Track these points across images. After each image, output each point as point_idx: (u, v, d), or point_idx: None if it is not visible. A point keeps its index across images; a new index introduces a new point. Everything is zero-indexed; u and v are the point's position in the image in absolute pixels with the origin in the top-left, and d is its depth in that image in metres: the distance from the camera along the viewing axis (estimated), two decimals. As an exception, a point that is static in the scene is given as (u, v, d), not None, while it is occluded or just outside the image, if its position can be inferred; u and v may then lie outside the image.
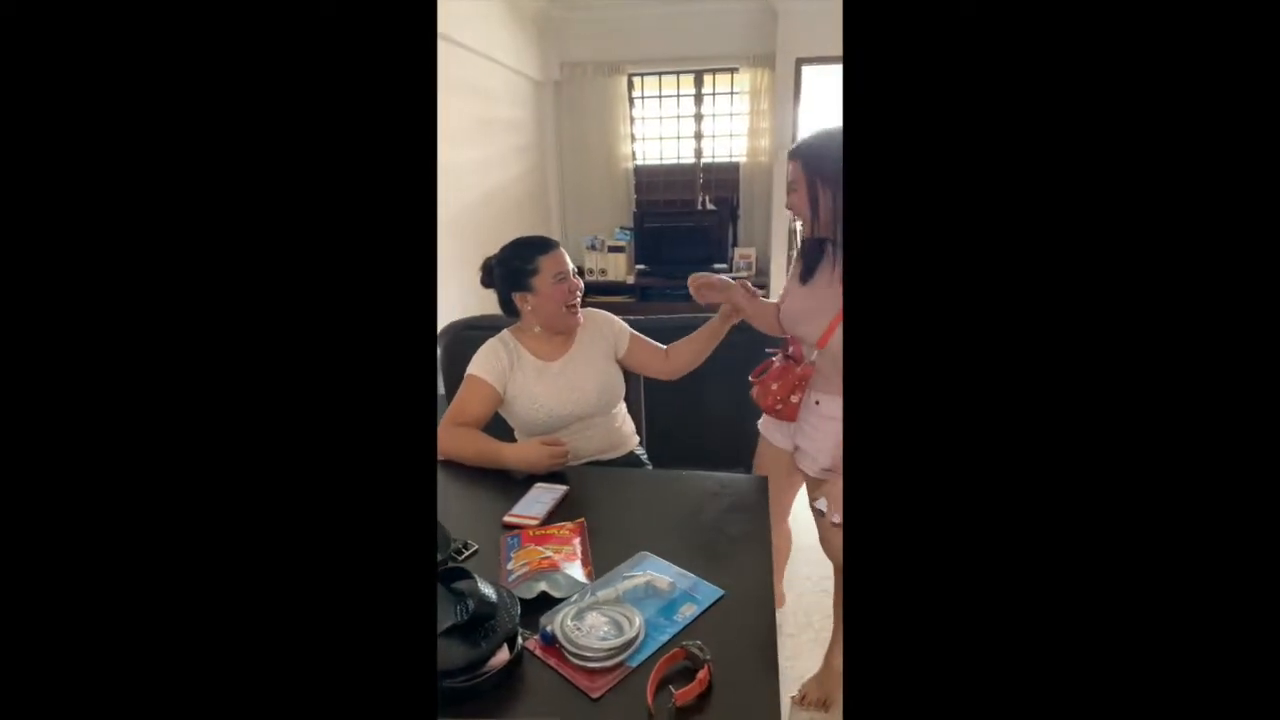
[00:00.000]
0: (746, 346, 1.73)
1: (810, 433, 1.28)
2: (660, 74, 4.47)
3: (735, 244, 4.49)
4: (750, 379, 1.35)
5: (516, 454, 1.25)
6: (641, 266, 4.50)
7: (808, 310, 1.23)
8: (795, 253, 1.29)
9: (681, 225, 4.44)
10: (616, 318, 1.52)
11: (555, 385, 1.39)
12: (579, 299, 1.41)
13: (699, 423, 1.64)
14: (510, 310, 1.43)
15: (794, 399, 1.26)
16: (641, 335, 1.52)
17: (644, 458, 1.53)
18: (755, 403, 1.33)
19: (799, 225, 1.20)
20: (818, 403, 1.26)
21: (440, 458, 1.31)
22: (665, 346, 1.51)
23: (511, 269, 1.38)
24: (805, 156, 1.15)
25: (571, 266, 1.40)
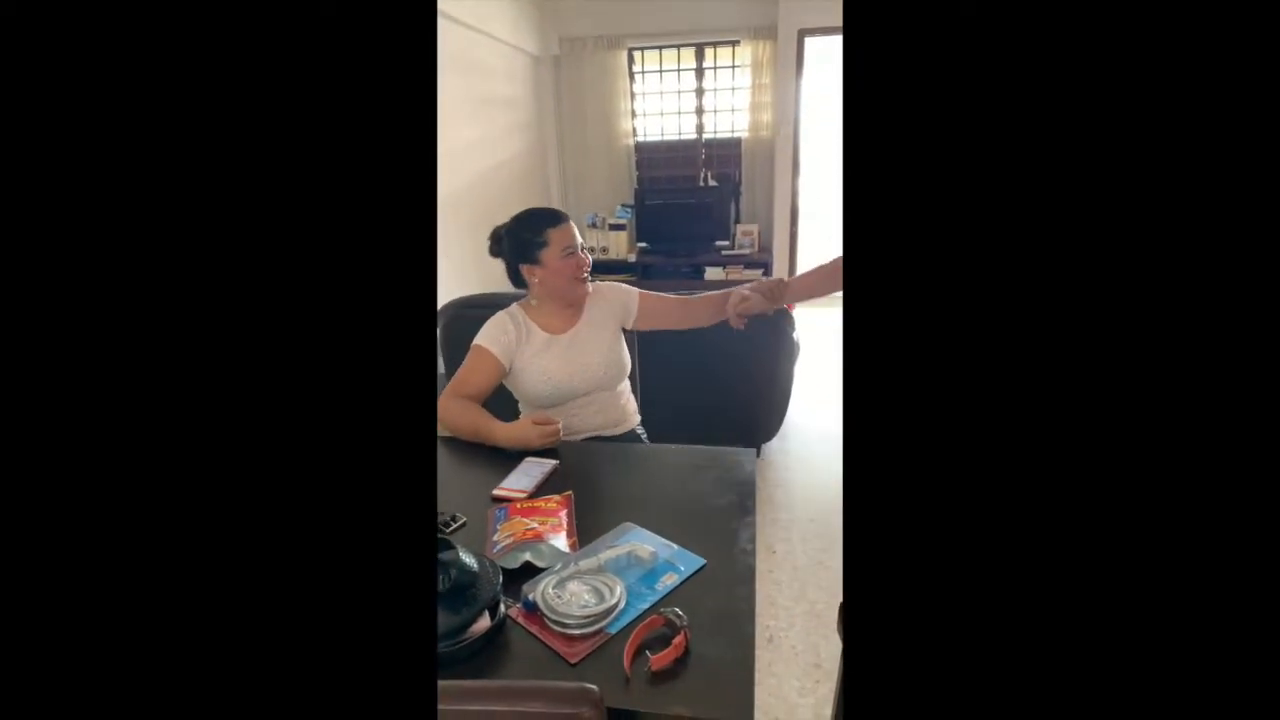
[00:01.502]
0: (748, 326, 1.73)
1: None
2: (661, 47, 4.41)
3: (738, 220, 4.46)
4: None
5: (508, 433, 1.26)
6: (643, 244, 4.48)
7: None
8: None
9: (683, 202, 4.41)
10: (624, 285, 1.52)
11: (563, 358, 1.39)
12: (588, 273, 1.41)
13: (699, 400, 1.64)
14: (518, 281, 1.43)
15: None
16: (650, 291, 1.53)
17: (644, 436, 1.53)
18: None
19: None
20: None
21: (439, 430, 1.32)
22: (683, 296, 1.53)
23: (520, 241, 1.38)
24: None
25: (580, 240, 1.40)
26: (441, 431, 1.32)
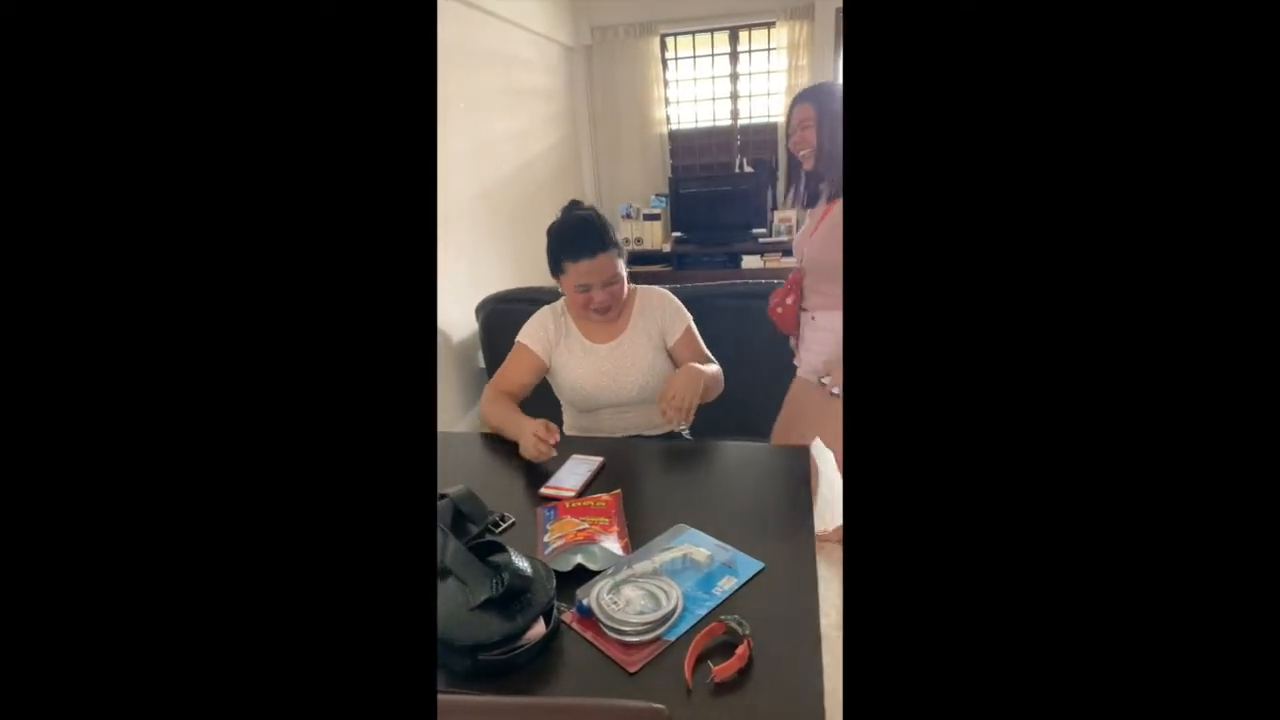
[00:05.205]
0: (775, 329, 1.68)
1: (809, 343, 1.50)
2: (694, 33, 4.33)
3: (775, 207, 4.37)
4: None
5: (514, 429, 1.23)
6: (678, 234, 4.43)
7: (805, 232, 1.49)
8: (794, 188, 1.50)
9: (719, 189, 4.33)
10: (675, 305, 1.41)
11: (598, 369, 1.35)
12: (606, 308, 1.31)
13: (741, 395, 1.59)
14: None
15: (789, 300, 1.51)
16: (697, 334, 1.40)
17: (686, 434, 1.49)
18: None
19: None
20: (814, 318, 1.47)
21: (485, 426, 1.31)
22: (712, 361, 1.39)
23: (549, 253, 1.32)
24: (816, 100, 1.38)
25: (603, 276, 1.27)
26: (485, 426, 1.32)
